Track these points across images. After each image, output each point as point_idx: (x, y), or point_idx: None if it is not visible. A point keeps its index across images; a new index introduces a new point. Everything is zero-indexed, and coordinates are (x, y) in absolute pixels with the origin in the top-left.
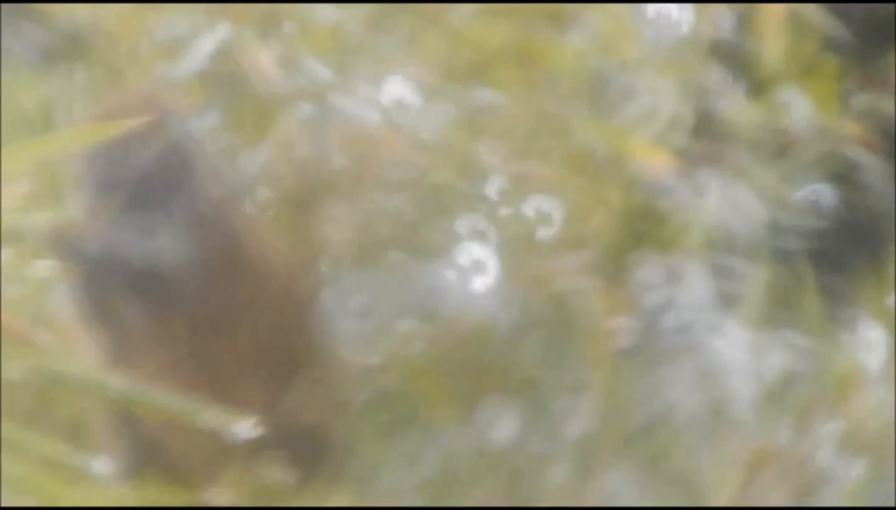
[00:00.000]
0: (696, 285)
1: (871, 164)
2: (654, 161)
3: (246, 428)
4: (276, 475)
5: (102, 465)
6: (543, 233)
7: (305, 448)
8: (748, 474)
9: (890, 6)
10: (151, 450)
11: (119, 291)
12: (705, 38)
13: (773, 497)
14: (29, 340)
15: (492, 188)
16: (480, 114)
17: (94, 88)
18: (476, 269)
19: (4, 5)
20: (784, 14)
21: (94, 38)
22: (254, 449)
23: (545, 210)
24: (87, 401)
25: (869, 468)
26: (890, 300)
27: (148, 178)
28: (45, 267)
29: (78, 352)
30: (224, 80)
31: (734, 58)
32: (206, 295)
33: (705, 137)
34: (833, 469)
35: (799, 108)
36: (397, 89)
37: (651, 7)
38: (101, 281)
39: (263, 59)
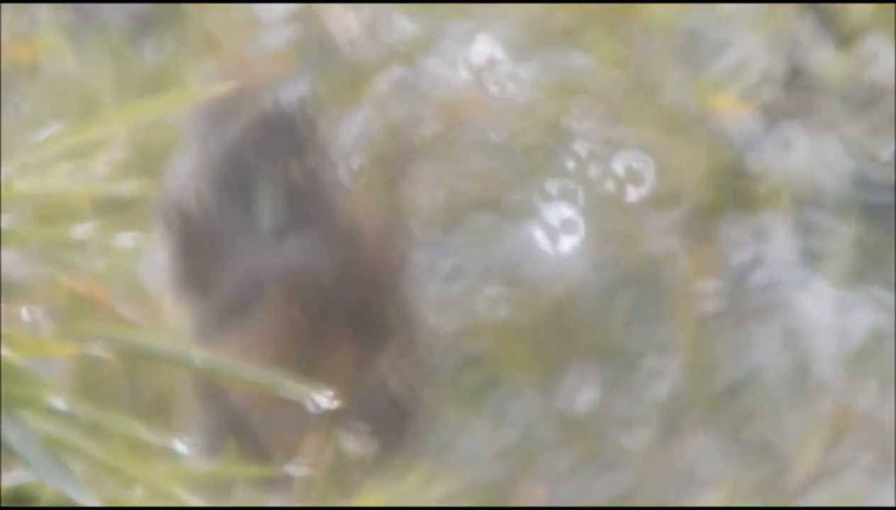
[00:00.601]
0: (783, 242)
1: None
2: (743, 116)
3: (326, 399)
4: (358, 445)
5: (184, 442)
6: (632, 193)
7: (391, 415)
8: (833, 437)
9: None
10: (235, 424)
11: (213, 261)
12: None
13: (858, 461)
14: (115, 313)
15: (581, 148)
16: (572, 73)
17: (190, 55)
18: (564, 230)
19: None
20: None
21: (187, 5)
22: (339, 418)
23: (634, 170)
24: (172, 375)
25: None
26: None
27: (245, 147)
28: (133, 238)
29: (165, 325)
30: (313, 44)
31: (824, 9)
32: (299, 263)
33: (794, 90)
34: None
35: (888, 59)
36: (488, 49)
37: None
38: (196, 250)
39: (351, 22)
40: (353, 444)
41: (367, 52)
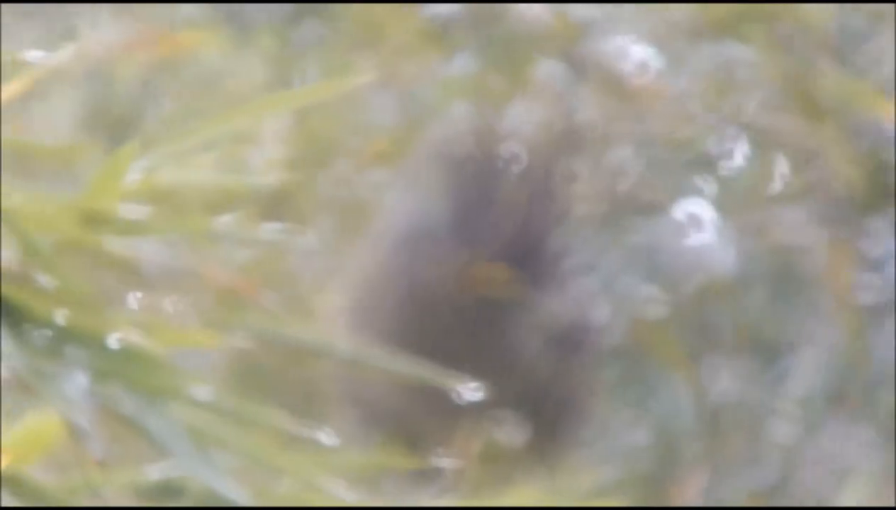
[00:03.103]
0: None
1: None
2: (888, 113)
3: (471, 390)
4: (505, 436)
5: (330, 434)
6: (775, 185)
7: (535, 408)
8: None
9: None
10: (379, 417)
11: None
12: None
13: None
14: (261, 304)
15: (731, 142)
16: (725, 69)
17: (338, 46)
18: (705, 224)
19: None
20: None
21: None
22: (483, 410)
23: (778, 163)
24: (317, 368)
25: None
26: None
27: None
28: (279, 229)
29: (310, 316)
30: (481, 19)
31: None
32: (466, 251)
33: None
34: None
35: None
36: (646, 44)
37: None
38: None
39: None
40: (503, 435)
41: (531, 32)
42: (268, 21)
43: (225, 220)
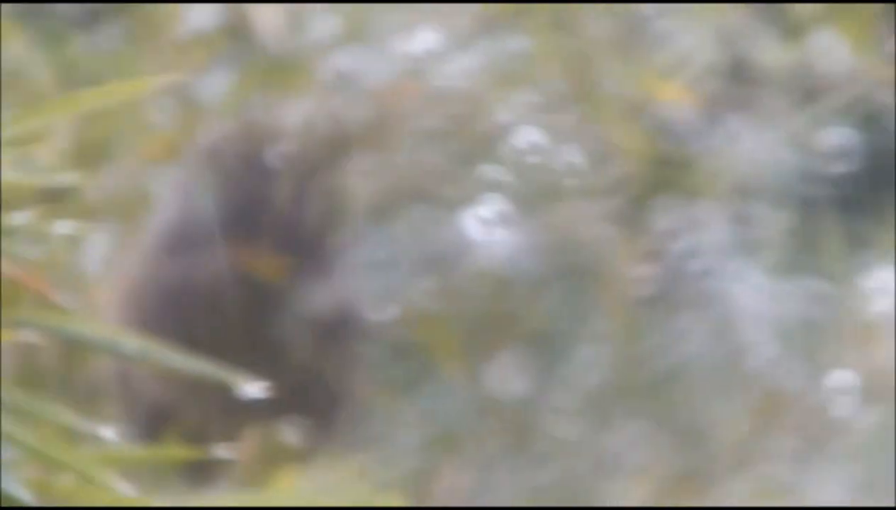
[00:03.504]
0: (719, 231)
1: None
2: (682, 105)
3: (256, 388)
4: (290, 435)
5: (112, 431)
6: (567, 180)
7: (320, 406)
8: (762, 422)
9: None
10: (165, 416)
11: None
12: None
13: (785, 446)
14: (49, 301)
15: (518, 136)
16: (511, 61)
17: (134, 45)
18: (497, 220)
19: None
20: None
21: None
22: (268, 410)
23: (570, 157)
24: (104, 365)
25: (883, 417)
26: None
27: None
28: (71, 226)
29: (99, 313)
30: (237, 35)
31: (768, 1)
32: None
33: (737, 81)
34: (848, 418)
35: (832, 51)
36: (424, 39)
37: None
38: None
39: (271, 15)
40: (285, 433)
41: (291, 42)
42: (67, 19)
43: (20, 217)
